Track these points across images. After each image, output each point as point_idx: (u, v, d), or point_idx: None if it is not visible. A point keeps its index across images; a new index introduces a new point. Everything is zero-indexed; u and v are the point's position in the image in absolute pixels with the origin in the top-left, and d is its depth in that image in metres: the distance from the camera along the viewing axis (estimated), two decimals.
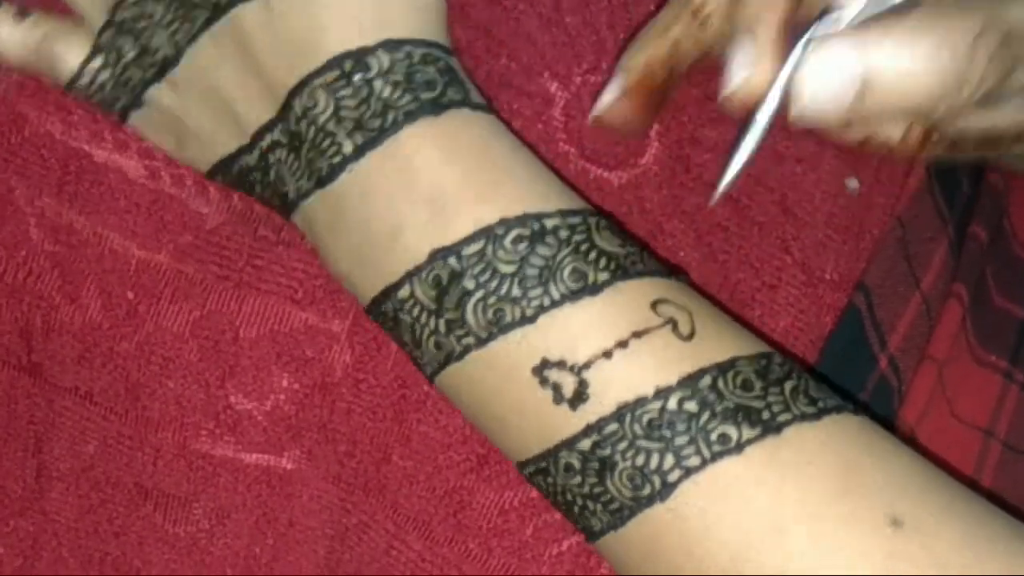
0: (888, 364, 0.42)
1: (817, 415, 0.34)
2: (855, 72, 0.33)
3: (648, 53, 0.36)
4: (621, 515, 0.34)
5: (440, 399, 0.40)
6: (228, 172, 0.38)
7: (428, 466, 0.40)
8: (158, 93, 0.38)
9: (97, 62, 0.39)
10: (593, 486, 0.34)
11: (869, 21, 0.33)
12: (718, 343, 0.35)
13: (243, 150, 0.37)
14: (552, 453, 0.35)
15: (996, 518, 0.34)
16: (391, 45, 0.35)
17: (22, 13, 0.40)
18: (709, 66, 0.41)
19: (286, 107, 0.36)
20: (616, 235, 0.36)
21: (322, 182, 0.36)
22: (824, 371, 0.41)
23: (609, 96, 0.35)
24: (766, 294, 0.41)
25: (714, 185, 0.40)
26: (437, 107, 0.35)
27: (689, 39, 0.37)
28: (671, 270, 0.36)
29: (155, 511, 0.43)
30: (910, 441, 0.38)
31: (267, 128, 0.36)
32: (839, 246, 0.42)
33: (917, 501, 0.33)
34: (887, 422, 0.39)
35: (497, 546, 0.40)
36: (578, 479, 0.34)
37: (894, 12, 0.34)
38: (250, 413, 0.41)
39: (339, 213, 0.36)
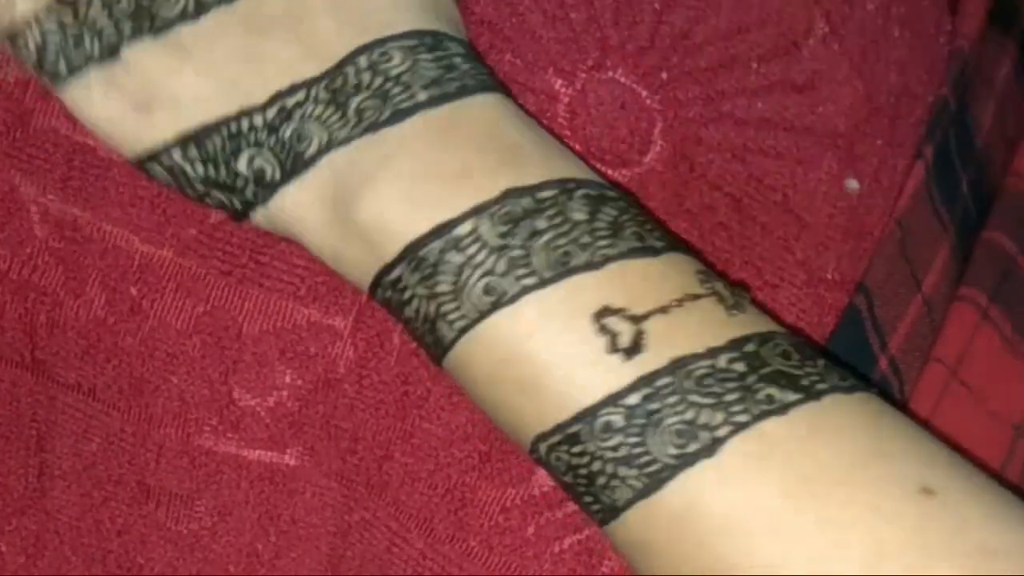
0: (888, 365, 0.43)
1: (849, 389, 0.35)
2: None
3: None
4: (659, 477, 0.34)
5: (442, 396, 0.40)
6: (209, 138, 0.36)
7: (430, 463, 0.41)
8: (152, 47, 0.36)
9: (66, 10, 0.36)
10: (633, 446, 0.34)
11: None
12: (757, 317, 0.36)
13: (248, 111, 0.36)
14: (592, 412, 0.34)
15: (1020, 501, 0.34)
16: (458, 39, 0.38)
17: None
18: (712, 65, 0.41)
19: (341, 65, 0.36)
20: None
21: (377, 126, 0.35)
22: None
23: None
24: (768, 293, 0.41)
25: (717, 185, 0.40)
26: (503, 88, 0.38)
27: None
28: None
29: (157, 509, 0.43)
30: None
31: (306, 84, 0.36)
32: (840, 246, 0.42)
33: (946, 474, 0.33)
34: None
35: (499, 544, 0.40)
36: (616, 440, 0.34)
37: None
38: (253, 409, 0.41)
39: (388, 158, 0.35)
